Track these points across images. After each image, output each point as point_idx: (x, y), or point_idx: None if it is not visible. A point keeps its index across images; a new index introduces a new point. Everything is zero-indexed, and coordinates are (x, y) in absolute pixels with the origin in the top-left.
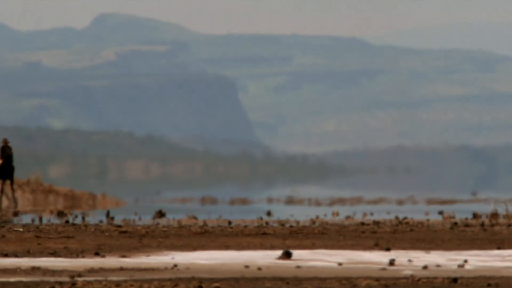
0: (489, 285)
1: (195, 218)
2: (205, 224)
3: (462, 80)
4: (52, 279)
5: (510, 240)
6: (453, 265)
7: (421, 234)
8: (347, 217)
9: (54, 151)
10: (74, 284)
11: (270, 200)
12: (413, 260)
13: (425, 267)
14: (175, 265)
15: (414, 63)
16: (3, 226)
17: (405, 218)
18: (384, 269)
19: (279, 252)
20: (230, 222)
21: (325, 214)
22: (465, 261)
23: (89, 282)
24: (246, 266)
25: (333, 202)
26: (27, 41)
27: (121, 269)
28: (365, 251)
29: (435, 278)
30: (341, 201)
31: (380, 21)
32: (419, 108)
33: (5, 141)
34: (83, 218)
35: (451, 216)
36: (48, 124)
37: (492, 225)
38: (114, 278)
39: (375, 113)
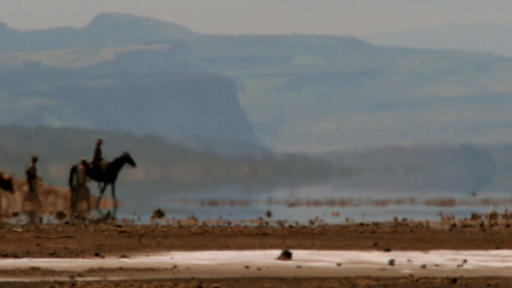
0: (488, 285)
1: (194, 218)
2: (204, 224)
3: (462, 81)
4: (51, 279)
5: (509, 240)
6: (452, 265)
7: (420, 234)
8: (347, 218)
9: (53, 150)
10: (73, 284)
11: (270, 201)
12: (412, 260)
13: (424, 267)
14: (175, 265)
15: (413, 64)
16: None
17: (405, 219)
18: (383, 269)
19: (278, 252)
20: (229, 223)
21: (325, 214)
22: (465, 261)
23: (89, 282)
24: (246, 266)
25: (333, 202)
26: (27, 40)
27: (121, 269)
28: (364, 252)
29: (434, 278)
30: (341, 201)
31: (380, 21)
32: (419, 108)
33: (100, 142)
34: (83, 218)
35: (450, 217)
36: (47, 123)
37: (491, 225)
38: (113, 278)
39: (375, 113)
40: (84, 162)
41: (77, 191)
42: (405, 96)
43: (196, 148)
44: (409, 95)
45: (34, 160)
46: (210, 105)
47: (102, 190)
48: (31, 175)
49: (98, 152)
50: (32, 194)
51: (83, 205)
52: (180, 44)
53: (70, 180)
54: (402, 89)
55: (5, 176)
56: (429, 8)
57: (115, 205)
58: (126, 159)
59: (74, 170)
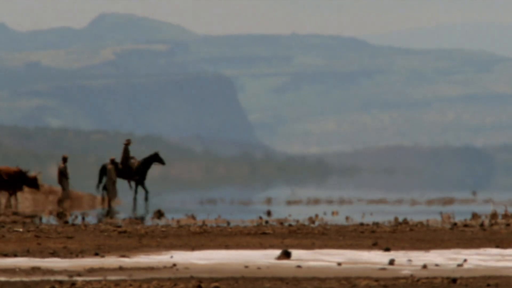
0: (488, 285)
1: (194, 218)
2: (204, 224)
3: (462, 81)
4: (51, 278)
5: (509, 240)
6: (452, 264)
7: (420, 234)
8: (347, 217)
9: (53, 150)
10: (73, 283)
11: (269, 201)
12: (413, 259)
13: (424, 267)
14: (174, 265)
15: (413, 63)
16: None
17: (405, 219)
18: (383, 269)
19: (278, 252)
20: (229, 222)
21: (325, 212)
22: (465, 260)
23: (89, 282)
24: (246, 266)
25: (332, 202)
26: (26, 41)
27: (121, 268)
28: (364, 251)
29: (434, 278)
30: (341, 201)
31: (379, 21)
32: (418, 108)
33: (128, 142)
34: (83, 218)
35: (450, 217)
36: (47, 123)
37: (491, 225)
38: (113, 277)
39: (374, 113)
40: (113, 161)
41: (108, 189)
42: (404, 96)
43: (196, 148)
44: (408, 95)
45: (65, 160)
46: (210, 105)
47: (136, 190)
48: (63, 174)
49: (126, 151)
50: (65, 193)
51: (114, 203)
52: (180, 44)
53: (100, 180)
54: (402, 89)
55: (31, 175)
56: (429, 8)
57: (147, 200)
58: (155, 158)
59: (103, 169)
